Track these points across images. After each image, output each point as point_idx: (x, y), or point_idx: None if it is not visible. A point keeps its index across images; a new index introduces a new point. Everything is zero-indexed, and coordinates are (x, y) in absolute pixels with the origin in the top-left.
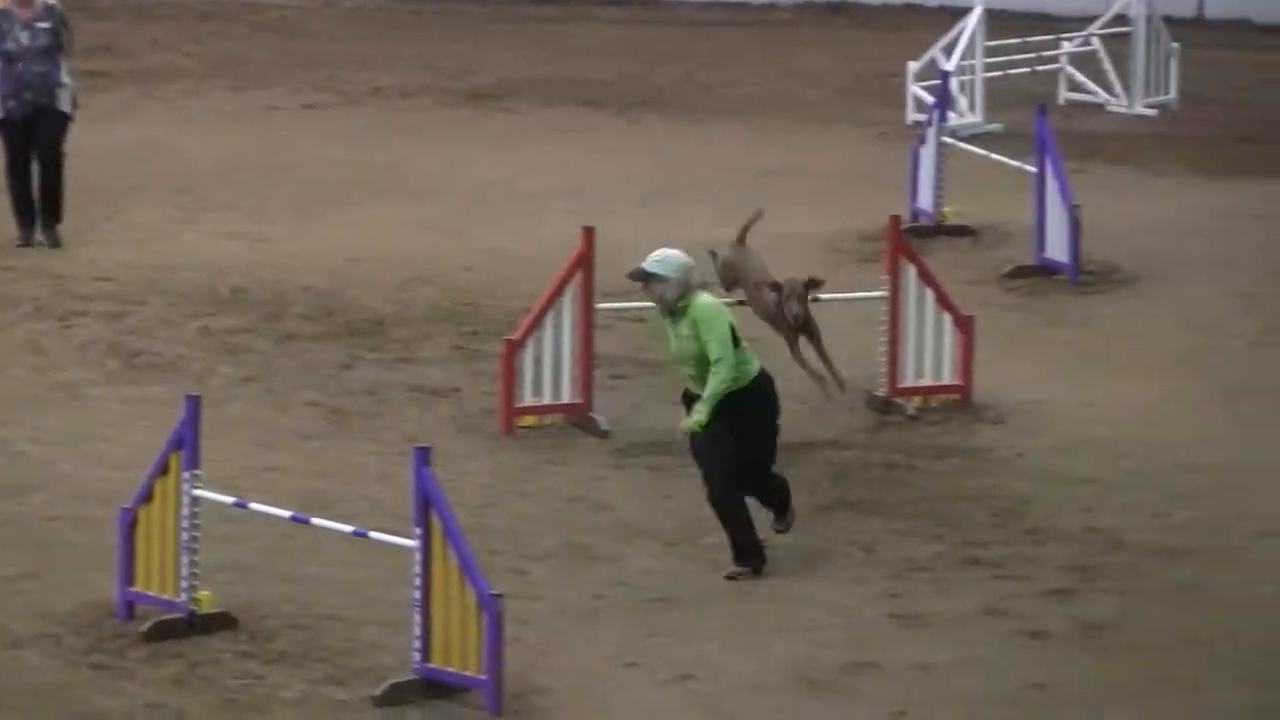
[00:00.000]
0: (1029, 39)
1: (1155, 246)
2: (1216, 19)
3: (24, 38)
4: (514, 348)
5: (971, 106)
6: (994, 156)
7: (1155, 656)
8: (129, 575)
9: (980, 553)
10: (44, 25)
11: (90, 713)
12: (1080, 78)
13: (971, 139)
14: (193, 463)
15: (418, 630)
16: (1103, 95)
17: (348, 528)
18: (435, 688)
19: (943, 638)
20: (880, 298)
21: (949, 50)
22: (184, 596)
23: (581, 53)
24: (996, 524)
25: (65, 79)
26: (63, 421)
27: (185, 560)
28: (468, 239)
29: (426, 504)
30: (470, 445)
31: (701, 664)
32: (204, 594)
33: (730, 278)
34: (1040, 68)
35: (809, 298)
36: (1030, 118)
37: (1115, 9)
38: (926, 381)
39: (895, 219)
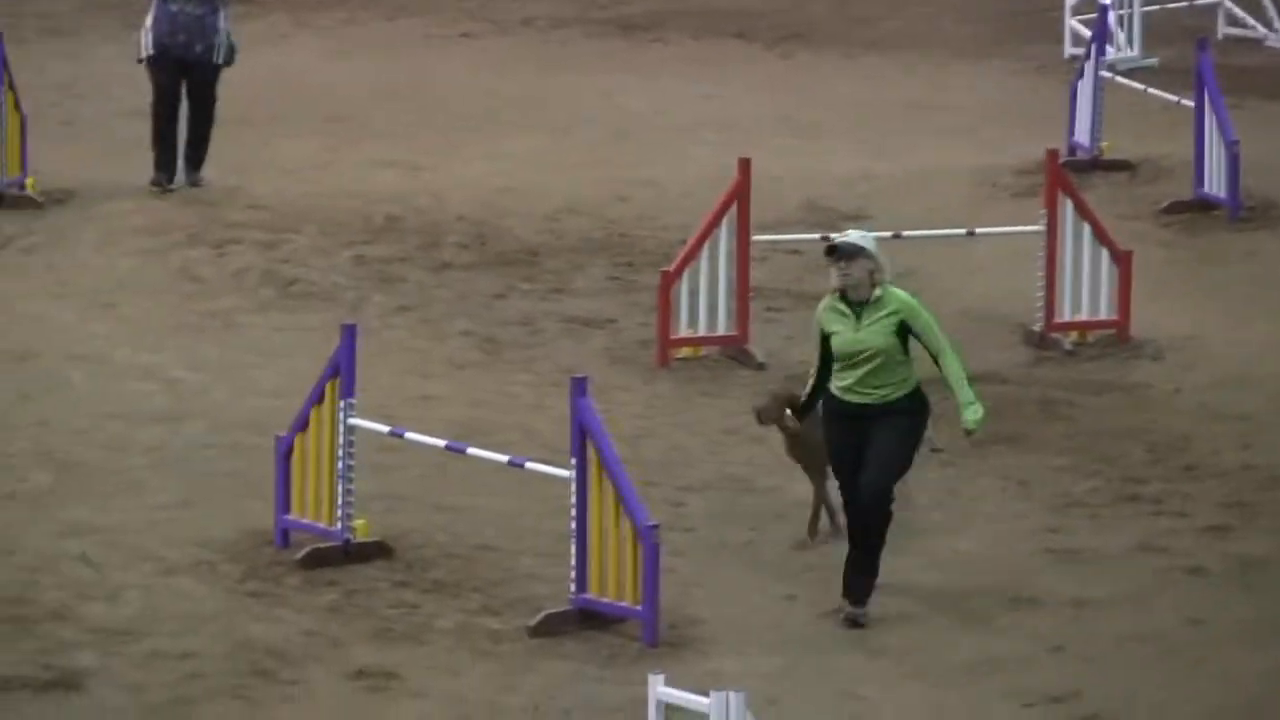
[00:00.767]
0: None
1: None
2: None
3: None
4: (670, 279)
5: (1130, 41)
6: (1152, 91)
7: None
8: (286, 503)
9: (1137, 489)
10: None
11: (246, 640)
12: (1239, 12)
13: (1130, 73)
14: (349, 391)
15: (574, 561)
16: (1261, 30)
17: (503, 457)
18: (591, 618)
19: (1099, 573)
20: (1038, 232)
21: None
22: (340, 525)
23: None
24: (1153, 460)
25: (222, 24)
26: (216, 349)
27: (342, 488)
28: (618, 170)
29: (584, 435)
30: (625, 377)
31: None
32: (360, 522)
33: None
34: (1199, 2)
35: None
36: (1188, 52)
37: None
38: (1084, 317)
39: (1053, 153)
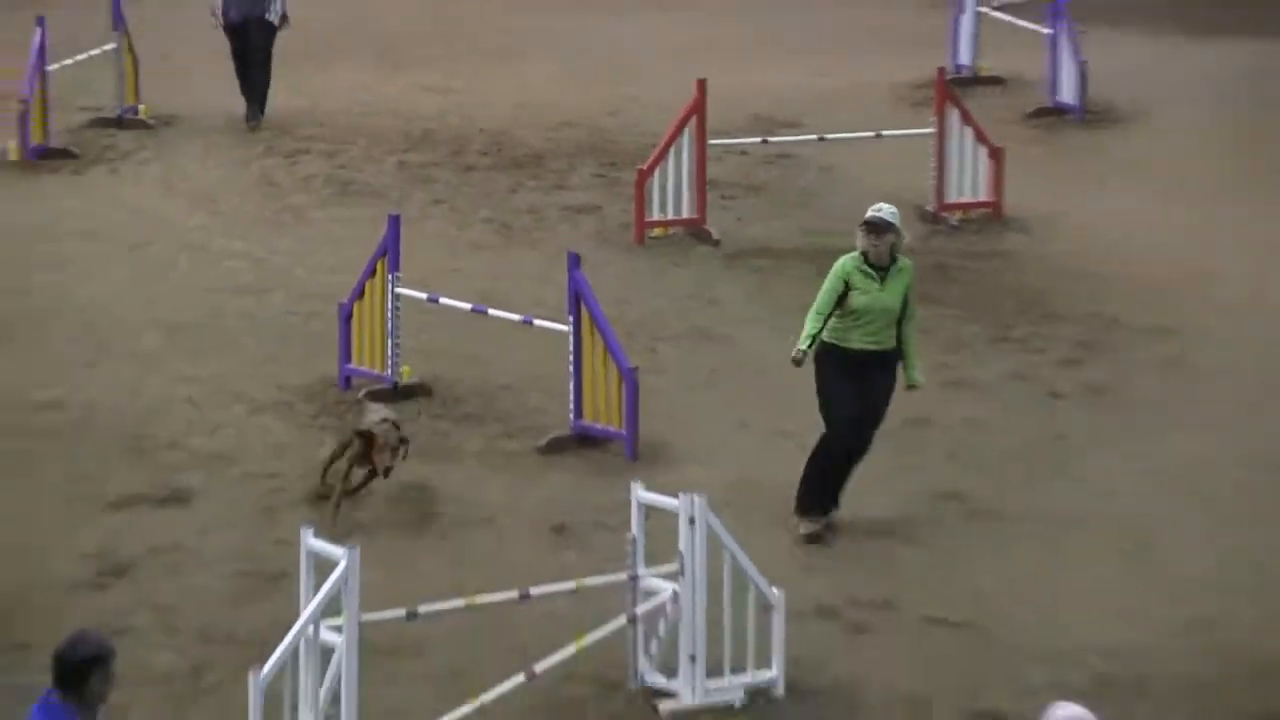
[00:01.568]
0: None
1: (1148, 91)
2: None
3: None
4: (645, 175)
5: None
6: (1019, 22)
7: (1145, 411)
8: (347, 354)
9: (1008, 332)
10: None
11: (318, 463)
12: None
13: (1001, 8)
14: (395, 267)
15: (572, 396)
16: None
17: (516, 316)
18: (586, 440)
19: (983, 397)
20: (930, 134)
21: None
22: (390, 370)
23: None
24: (1021, 310)
25: None
26: (292, 237)
27: (390, 343)
28: (609, 89)
29: (578, 298)
30: (610, 253)
31: (795, 422)
32: (406, 369)
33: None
34: None
35: (400, 455)
36: None
37: None
38: (966, 199)
39: (941, 71)
